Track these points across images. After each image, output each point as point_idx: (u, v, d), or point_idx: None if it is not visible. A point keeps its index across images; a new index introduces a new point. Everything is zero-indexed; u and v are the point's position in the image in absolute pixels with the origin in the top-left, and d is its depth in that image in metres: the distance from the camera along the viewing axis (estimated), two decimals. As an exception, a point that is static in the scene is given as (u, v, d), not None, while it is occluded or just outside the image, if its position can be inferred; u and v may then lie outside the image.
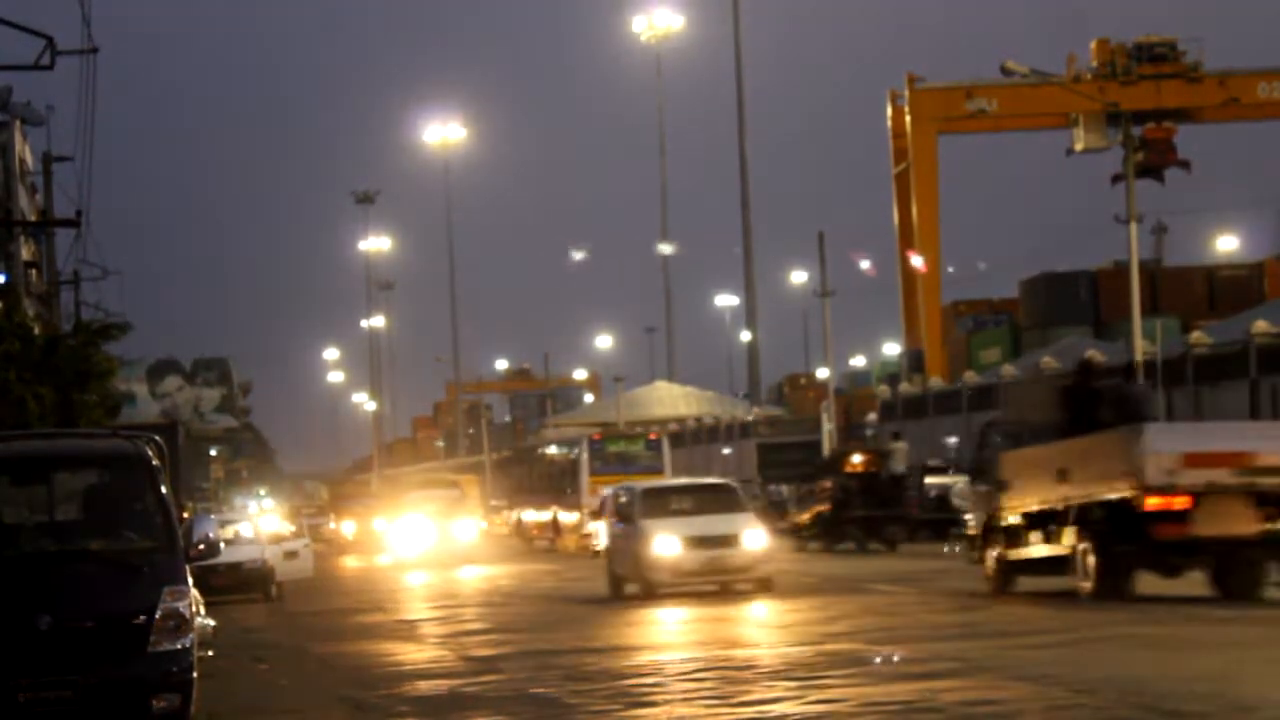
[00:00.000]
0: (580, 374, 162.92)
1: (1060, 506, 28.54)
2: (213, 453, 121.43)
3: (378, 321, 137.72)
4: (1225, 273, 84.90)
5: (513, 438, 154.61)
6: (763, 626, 27.05)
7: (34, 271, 54.91)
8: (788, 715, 16.82)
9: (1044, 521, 29.10)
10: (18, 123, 54.06)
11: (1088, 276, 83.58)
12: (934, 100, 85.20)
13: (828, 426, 77.91)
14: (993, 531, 30.72)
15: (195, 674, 15.20)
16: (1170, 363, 52.66)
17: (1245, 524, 26.48)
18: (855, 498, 51.37)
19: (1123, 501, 26.87)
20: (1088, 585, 27.56)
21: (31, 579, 15.17)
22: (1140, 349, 49.68)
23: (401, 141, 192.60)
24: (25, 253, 52.77)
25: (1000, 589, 30.23)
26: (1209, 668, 18.49)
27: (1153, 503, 26.52)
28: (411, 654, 25.58)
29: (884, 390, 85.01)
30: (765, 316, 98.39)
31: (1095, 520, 27.61)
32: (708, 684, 19.29)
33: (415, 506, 60.73)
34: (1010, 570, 30.37)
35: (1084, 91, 75.74)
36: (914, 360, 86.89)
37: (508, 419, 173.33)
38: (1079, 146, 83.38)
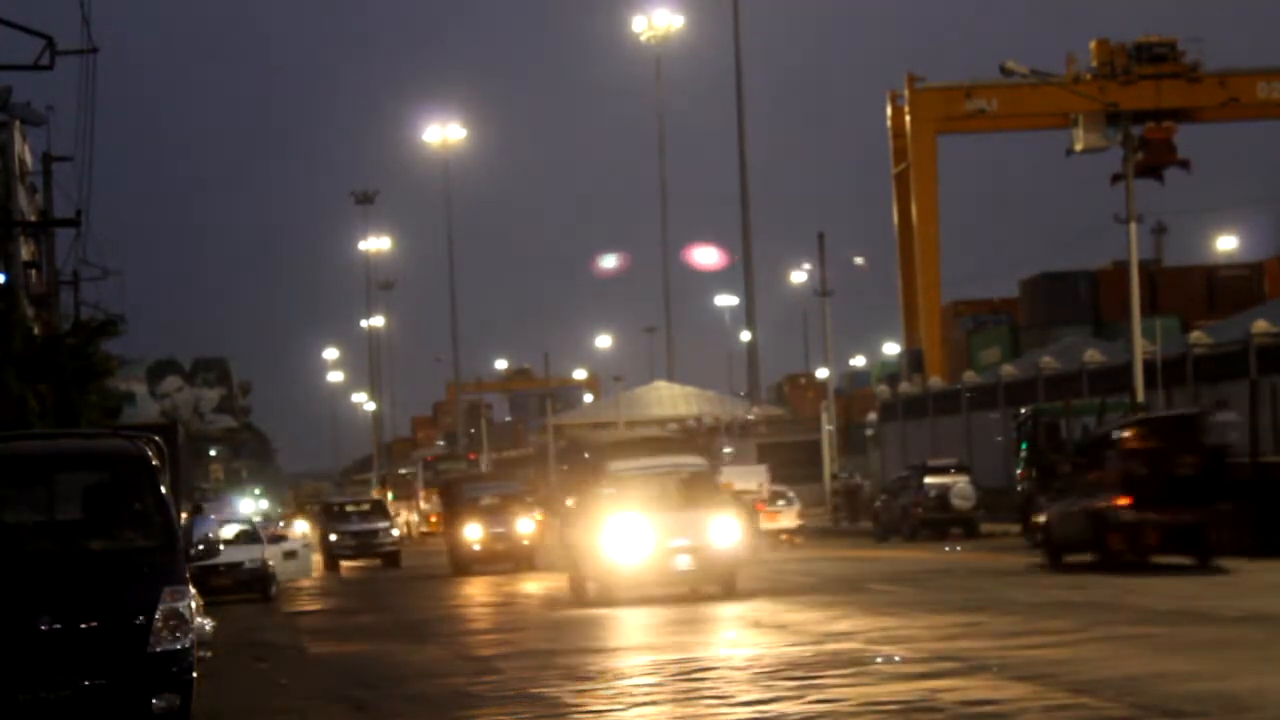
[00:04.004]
0: (580, 374, 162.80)
1: None
2: (213, 453, 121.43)
3: (377, 321, 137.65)
4: (1225, 273, 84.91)
5: (513, 438, 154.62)
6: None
7: (34, 271, 54.90)
8: (787, 715, 16.82)
9: None
10: (18, 123, 54.07)
11: (1087, 276, 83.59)
12: (934, 100, 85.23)
13: (827, 426, 77.95)
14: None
15: (195, 674, 15.20)
16: (1170, 363, 52.63)
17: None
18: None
19: None
20: None
21: (32, 579, 15.16)
22: (1140, 349, 49.66)
23: (401, 141, 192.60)
24: (25, 253, 52.76)
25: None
26: (1209, 668, 18.49)
27: None
28: (412, 654, 25.56)
29: (884, 390, 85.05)
30: (765, 316, 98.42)
31: None
32: (708, 684, 19.29)
33: (626, 497, 32.81)
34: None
35: (1084, 91, 75.71)
36: (914, 360, 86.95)
37: (508, 419, 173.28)
38: (1079, 146, 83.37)
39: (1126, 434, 36.53)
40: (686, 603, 31.31)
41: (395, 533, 59.09)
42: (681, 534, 31.96)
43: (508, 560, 48.60)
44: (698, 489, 33.19)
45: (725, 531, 32.24)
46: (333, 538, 58.03)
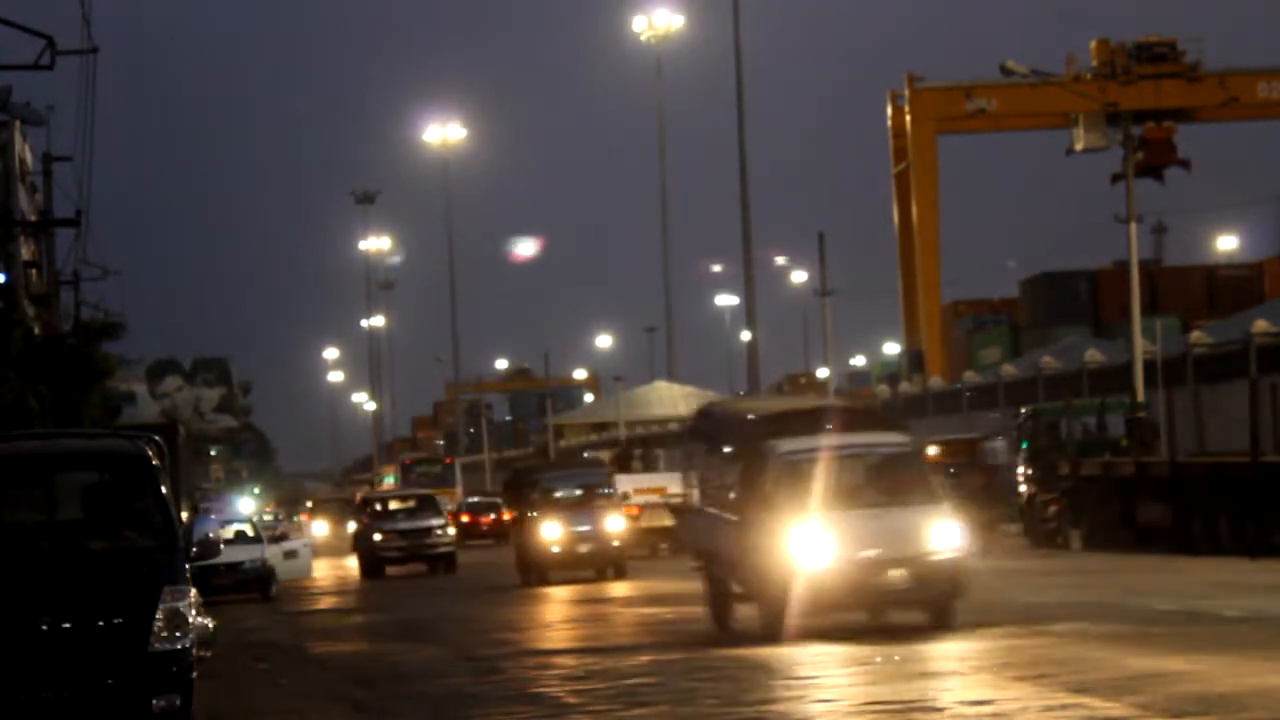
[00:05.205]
0: (580, 374, 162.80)
1: None
2: (213, 453, 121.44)
3: (378, 321, 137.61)
4: (1225, 272, 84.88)
5: (513, 437, 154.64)
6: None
7: (34, 271, 54.91)
8: (787, 714, 16.80)
9: None
10: (18, 123, 54.08)
11: (1087, 276, 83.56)
12: (934, 100, 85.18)
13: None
14: None
15: (195, 674, 15.19)
16: (1170, 363, 52.65)
17: (666, 519, 50.26)
18: None
19: None
20: None
21: (32, 579, 15.15)
22: (1140, 349, 49.66)
23: (401, 141, 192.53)
24: (25, 253, 52.77)
25: None
26: (1209, 668, 18.48)
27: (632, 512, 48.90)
28: (411, 654, 25.53)
29: (884, 390, 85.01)
30: (765, 316, 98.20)
31: None
32: (708, 683, 19.26)
33: (800, 489, 23.74)
34: None
35: (1084, 91, 75.66)
36: (914, 360, 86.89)
37: (508, 419, 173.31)
38: (1079, 146, 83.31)
39: (932, 450, 45.54)
40: (898, 638, 22.61)
41: (451, 532, 51.48)
42: (882, 540, 23.49)
43: (592, 565, 41.25)
44: (901, 478, 24.68)
45: (944, 536, 23.66)
46: (377, 538, 50.24)
